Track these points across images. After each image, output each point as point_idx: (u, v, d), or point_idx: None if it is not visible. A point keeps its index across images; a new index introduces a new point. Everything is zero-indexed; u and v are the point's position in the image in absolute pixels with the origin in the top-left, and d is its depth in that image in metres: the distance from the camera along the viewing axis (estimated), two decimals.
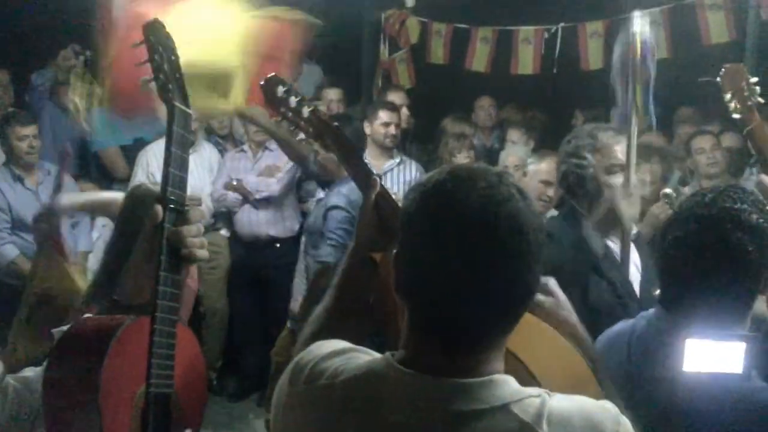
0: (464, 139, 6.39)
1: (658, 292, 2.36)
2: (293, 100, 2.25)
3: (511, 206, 1.43)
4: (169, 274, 1.91)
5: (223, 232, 6.65)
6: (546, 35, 7.76)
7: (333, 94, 7.23)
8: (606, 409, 1.47)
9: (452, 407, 1.42)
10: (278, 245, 6.47)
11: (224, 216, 6.63)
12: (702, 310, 2.09)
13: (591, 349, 2.02)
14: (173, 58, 2.02)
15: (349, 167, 2.28)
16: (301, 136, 2.32)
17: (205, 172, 6.64)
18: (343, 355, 1.60)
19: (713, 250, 2.10)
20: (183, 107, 2.00)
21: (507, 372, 1.50)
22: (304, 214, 6.43)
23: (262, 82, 2.27)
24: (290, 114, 2.26)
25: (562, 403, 1.44)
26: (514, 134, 6.73)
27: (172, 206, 1.93)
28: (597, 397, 1.57)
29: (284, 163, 6.38)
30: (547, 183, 4.87)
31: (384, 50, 8.54)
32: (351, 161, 2.28)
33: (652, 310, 2.35)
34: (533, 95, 8.01)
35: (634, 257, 3.43)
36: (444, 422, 1.42)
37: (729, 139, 5.73)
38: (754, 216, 2.10)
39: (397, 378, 1.47)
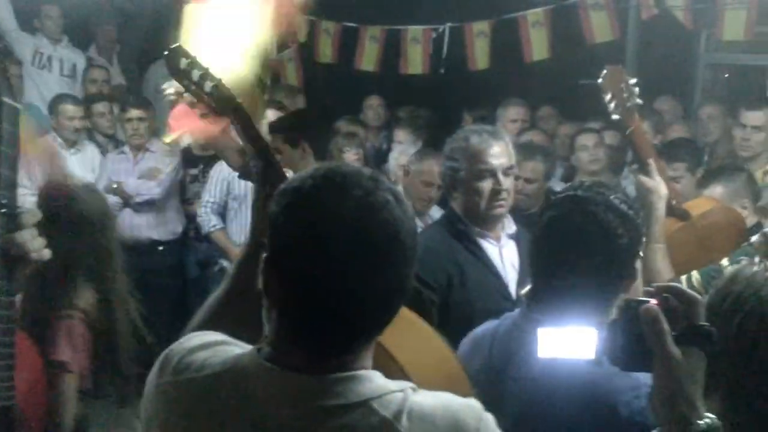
0: (353, 137, 6.34)
1: (524, 290, 2.37)
2: (196, 73, 2.15)
3: (387, 213, 1.42)
4: (2, 282, 1.80)
5: None
6: (433, 35, 7.79)
7: None
8: (470, 406, 1.48)
9: (316, 403, 1.42)
10: (161, 248, 6.32)
11: None
12: (566, 305, 2.07)
13: None
14: None
15: (251, 148, 2.18)
16: (203, 111, 2.23)
17: (87, 173, 6.42)
18: (211, 347, 1.57)
19: (584, 228, 2.13)
20: (11, 102, 1.87)
21: (380, 370, 1.50)
22: (189, 216, 6.32)
23: (165, 52, 2.16)
24: (193, 87, 2.17)
25: (425, 398, 1.45)
26: (400, 134, 6.68)
27: (3, 210, 1.81)
28: (467, 394, 1.56)
29: (166, 165, 6.24)
30: (427, 183, 4.89)
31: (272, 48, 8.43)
32: (252, 141, 2.18)
33: (517, 310, 2.36)
34: (423, 95, 8.01)
35: (513, 257, 3.43)
36: (308, 418, 1.42)
37: (610, 137, 5.88)
38: (625, 206, 2.16)
39: (263, 375, 1.45)
